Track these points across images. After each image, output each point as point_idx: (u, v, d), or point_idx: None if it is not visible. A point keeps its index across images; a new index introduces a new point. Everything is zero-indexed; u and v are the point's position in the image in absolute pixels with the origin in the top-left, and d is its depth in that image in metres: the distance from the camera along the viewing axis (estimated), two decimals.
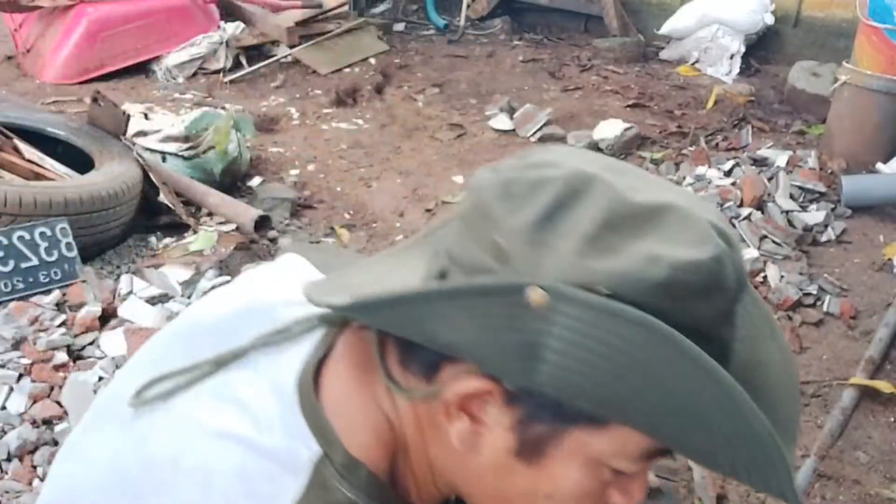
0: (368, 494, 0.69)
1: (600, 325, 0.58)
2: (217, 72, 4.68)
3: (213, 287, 2.44)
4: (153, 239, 2.89)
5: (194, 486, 0.68)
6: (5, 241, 2.36)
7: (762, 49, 5.34)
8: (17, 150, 2.79)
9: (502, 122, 4.20)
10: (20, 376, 2.07)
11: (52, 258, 2.42)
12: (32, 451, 1.91)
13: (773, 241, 3.00)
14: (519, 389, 0.64)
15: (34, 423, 1.96)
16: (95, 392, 1.99)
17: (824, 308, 2.72)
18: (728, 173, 3.46)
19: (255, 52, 4.89)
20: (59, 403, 2.01)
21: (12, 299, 2.35)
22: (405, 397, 0.71)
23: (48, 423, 1.98)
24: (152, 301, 2.37)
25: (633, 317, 0.57)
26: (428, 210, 3.36)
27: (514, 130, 4.15)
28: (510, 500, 0.71)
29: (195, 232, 2.88)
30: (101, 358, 2.14)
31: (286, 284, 0.83)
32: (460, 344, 0.63)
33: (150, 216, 2.95)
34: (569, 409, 0.63)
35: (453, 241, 0.67)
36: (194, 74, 4.64)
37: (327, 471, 0.68)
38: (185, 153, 3.14)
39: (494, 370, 0.63)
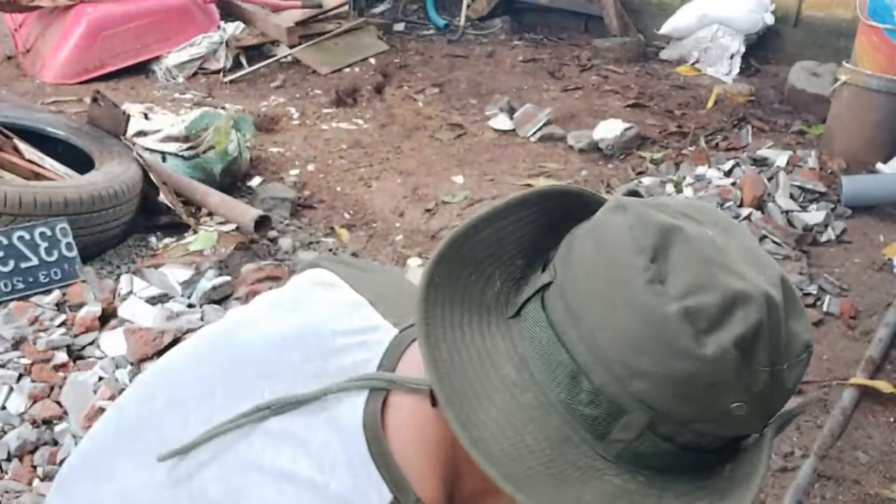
0: None
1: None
2: (217, 72, 4.68)
3: (214, 287, 2.44)
4: (153, 239, 2.89)
5: None
6: (5, 241, 2.36)
7: (762, 49, 5.34)
8: (17, 150, 2.79)
9: (502, 121, 4.20)
10: (20, 376, 2.07)
11: (52, 258, 2.42)
12: (32, 451, 1.91)
13: (773, 241, 3.00)
14: None
15: (34, 423, 1.96)
16: (95, 392, 1.99)
17: (824, 308, 2.72)
18: (728, 173, 3.45)
19: (255, 52, 4.89)
20: (59, 403, 2.01)
21: (12, 299, 2.35)
22: None
23: (48, 423, 1.98)
24: (152, 301, 2.37)
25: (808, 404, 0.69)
26: (428, 210, 3.36)
27: (513, 130, 4.15)
28: None
29: (195, 232, 2.89)
30: (101, 358, 2.14)
31: (333, 307, 0.82)
32: None
33: (150, 216, 2.95)
34: None
35: (653, 395, 0.64)
36: (194, 74, 4.64)
37: (379, 484, 0.68)
38: (185, 153, 3.14)
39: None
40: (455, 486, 0.74)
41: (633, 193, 0.72)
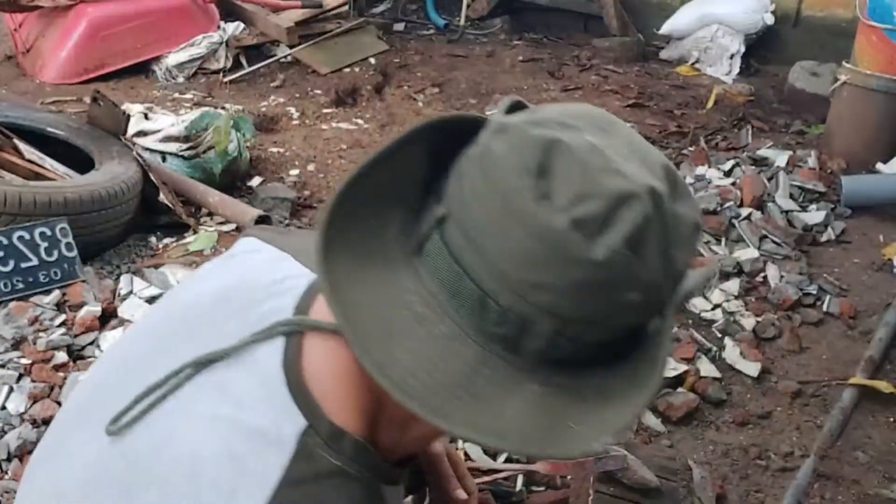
0: (354, 460, 0.73)
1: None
2: (217, 72, 4.67)
3: None
4: (153, 239, 2.89)
5: (181, 476, 0.70)
6: (5, 241, 2.36)
7: (762, 49, 5.33)
8: (17, 150, 2.79)
9: None
10: (20, 376, 2.07)
11: (52, 258, 2.42)
12: (32, 451, 1.91)
13: (773, 241, 3.00)
14: None
15: (34, 423, 1.96)
16: None
17: (824, 308, 2.72)
18: (728, 173, 3.45)
19: (255, 52, 4.88)
20: (59, 403, 2.01)
21: (12, 299, 2.35)
22: None
23: (48, 423, 1.97)
24: (152, 301, 2.37)
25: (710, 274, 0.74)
26: None
27: None
28: None
29: (195, 232, 2.89)
30: None
31: (256, 266, 0.87)
32: None
33: (150, 216, 2.95)
34: None
35: (557, 305, 0.67)
36: (194, 74, 4.64)
37: (312, 441, 0.71)
38: (185, 153, 3.14)
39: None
40: (378, 416, 0.77)
41: (516, 106, 0.75)
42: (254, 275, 0.85)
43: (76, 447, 0.80)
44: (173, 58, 4.58)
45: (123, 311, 2.32)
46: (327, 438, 0.72)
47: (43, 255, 2.41)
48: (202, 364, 0.76)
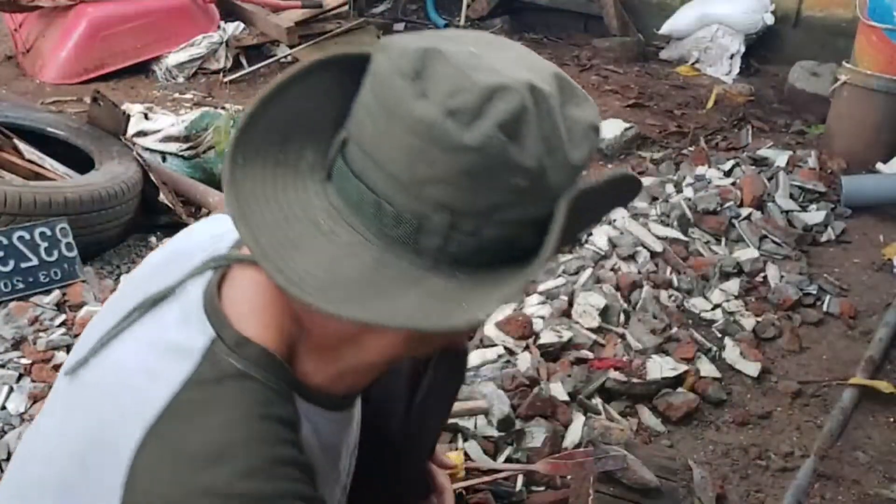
0: (258, 365, 0.77)
1: (600, 194, 0.78)
2: (217, 72, 4.68)
3: None
4: (153, 239, 2.89)
5: (107, 384, 0.80)
6: (5, 241, 2.35)
7: (762, 49, 5.34)
8: (17, 150, 2.79)
9: None
10: (20, 376, 2.07)
11: (52, 258, 2.42)
12: None
13: (773, 241, 3.00)
14: None
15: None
16: None
17: (824, 308, 2.72)
18: (728, 173, 3.45)
19: (255, 52, 4.89)
20: None
21: (12, 299, 2.35)
22: None
23: None
24: None
25: (624, 179, 0.81)
26: None
27: None
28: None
29: None
30: None
31: (209, 226, 0.95)
32: None
33: (150, 216, 2.95)
34: None
35: (445, 196, 0.71)
36: (194, 74, 4.64)
37: (219, 349, 0.77)
38: (185, 153, 3.14)
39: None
40: (300, 339, 0.82)
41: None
42: (201, 233, 0.94)
43: (51, 411, 0.90)
44: (173, 58, 4.59)
45: None
46: (233, 346, 0.77)
47: (43, 255, 2.41)
48: (147, 305, 0.83)
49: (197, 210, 3.04)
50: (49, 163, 2.84)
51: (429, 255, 0.74)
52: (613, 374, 2.16)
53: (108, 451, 0.76)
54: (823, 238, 3.16)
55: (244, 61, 4.79)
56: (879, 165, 3.63)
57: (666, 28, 5.38)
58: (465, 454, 1.79)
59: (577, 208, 0.75)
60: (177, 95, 4.40)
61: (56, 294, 2.39)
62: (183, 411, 0.75)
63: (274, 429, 0.76)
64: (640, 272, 2.67)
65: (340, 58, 0.80)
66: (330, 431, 0.89)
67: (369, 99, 0.74)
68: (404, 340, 0.82)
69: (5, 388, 2.02)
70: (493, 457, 1.87)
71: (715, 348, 2.42)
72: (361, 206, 0.74)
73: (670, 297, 2.58)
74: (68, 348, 2.16)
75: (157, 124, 3.22)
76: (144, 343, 0.81)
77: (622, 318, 2.45)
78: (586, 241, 2.82)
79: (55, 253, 2.43)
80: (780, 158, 3.58)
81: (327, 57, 0.81)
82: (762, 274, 2.82)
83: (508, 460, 1.87)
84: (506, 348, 2.23)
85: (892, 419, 2.25)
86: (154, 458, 0.74)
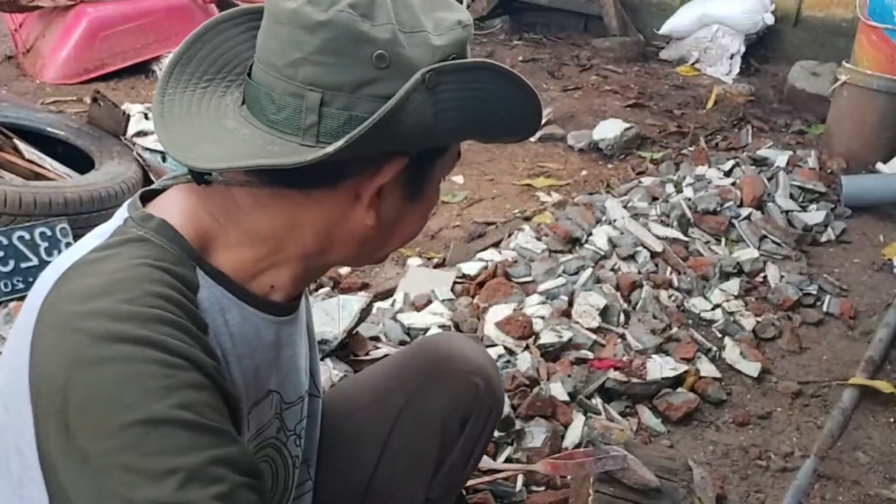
0: (157, 231, 0.83)
1: (470, 80, 0.81)
2: None
3: None
4: None
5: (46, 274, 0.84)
6: (5, 241, 2.35)
7: (762, 49, 5.34)
8: (17, 150, 2.78)
9: None
10: None
11: (53, 258, 2.42)
12: None
13: (773, 241, 3.00)
14: (420, 153, 0.84)
15: None
16: None
17: (824, 308, 2.72)
18: (728, 173, 3.46)
19: None
20: None
21: (12, 299, 2.35)
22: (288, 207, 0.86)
23: None
24: None
25: (487, 65, 0.82)
26: None
27: None
28: (393, 238, 0.93)
29: None
30: None
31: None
32: (391, 144, 0.80)
33: None
34: (441, 148, 0.88)
35: (313, 75, 0.79)
36: None
37: (128, 223, 0.85)
38: None
39: (409, 149, 0.83)
40: (216, 233, 0.87)
41: None
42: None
43: None
44: None
45: None
46: (139, 220, 0.85)
47: (43, 255, 2.40)
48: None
49: None
50: (49, 163, 2.83)
51: (310, 135, 0.80)
52: (613, 374, 2.16)
53: (21, 334, 0.79)
54: (823, 238, 3.16)
55: None
56: (879, 165, 3.63)
57: (666, 28, 5.38)
58: None
59: (450, 98, 0.80)
60: None
61: None
62: (80, 267, 0.80)
63: (163, 276, 0.79)
64: (640, 272, 2.67)
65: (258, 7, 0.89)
66: (244, 323, 0.90)
67: (265, 21, 0.84)
68: (314, 234, 0.88)
69: None
70: (493, 457, 1.87)
71: (715, 348, 2.42)
72: (255, 103, 0.83)
73: (670, 297, 2.58)
74: None
75: None
76: (78, 246, 0.87)
77: (622, 318, 2.45)
78: (586, 241, 2.82)
79: (55, 253, 2.43)
80: (780, 158, 3.58)
81: (247, 7, 0.92)
82: (762, 274, 2.82)
83: (508, 460, 1.87)
84: (506, 348, 2.23)
85: (892, 419, 2.25)
86: (47, 306, 0.77)
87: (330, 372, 2.01)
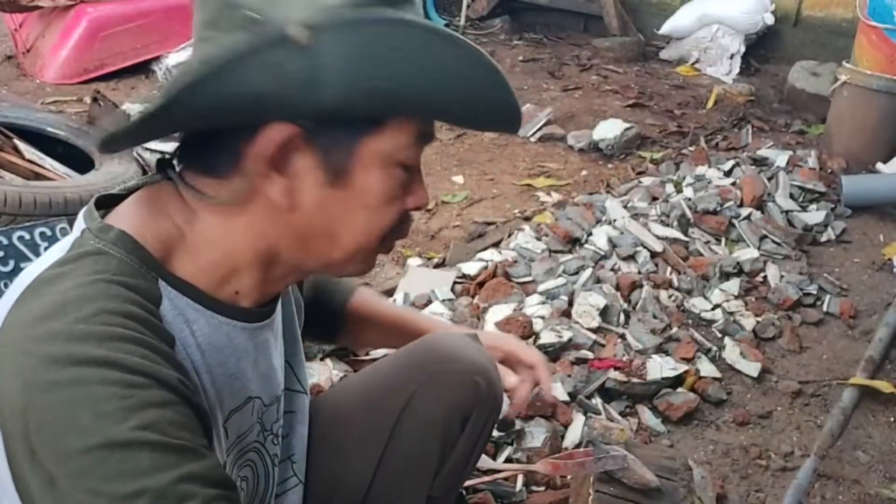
0: (115, 243, 0.81)
1: (366, 37, 0.72)
2: None
3: None
4: None
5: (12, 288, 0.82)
6: (5, 241, 2.35)
7: (762, 49, 5.34)
8: (17, 150, 2.78)
9: None
10: None
11: None
12: None
13: (773, 241, 3.00)
14: (313, 123, 0.77)
15: None
16: None
17: (824, 308, 2.72)
18: (728, 173, 3.46)
19: None
20: None
21: None
22: (219, 200, 0.83)
23: None
24: None
25: (391, 19, 0.73)
26: (427, 210, 3.36)
27: None
28: (338, 234, 0.85)
29: None
30: None
31: None
32: (253, 107, 0.75)
33: None
34: (355, 123, 0.79)
35: (205, 52, 0.77)
36: None
37: (86, 235, 0.82)
38: None
39: (289, 116, 0.76)
40: (177, 240, 0.85)
41: None
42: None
43: None
44: (173, 58, 4.57)
45: None
46: (97, 231, 0.82)
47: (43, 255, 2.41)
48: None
49: None
50: (49, 163, 2.83)
51: None
52: (613, 374, 2.16)
53: None
54: (823, 238, 3.16)
55: None
56: (879, 165, 3.63)
57: (666, 28, 5.38)
58: None
59: (337, 60, 0.73)
60: None
61: None
62: (37, 287, 0.78)
63: (121, 291, 0.77)
64: (640, 272, 2.67)
65: None
66: (214, 333, 0.87)
67: None
68: (252, 230, 0.84)
69: None
70: (493, 457, 1.87)
71: (715, 348, 2.42)
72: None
73: (670, 297, 2.58)
74: None
75: None
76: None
77: (622, 318, 2.45)
78: (586, 241, 2.82)
79: None
80: (780, 158, 3.58)
81: None
82: (762, 274, 2.82)
83: (508, 460, 1.87)
84: None
85: (892, 419, 2.25)
86: (6, 328, 0.75)
87: (330, 372, 2.02)
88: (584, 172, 3.75)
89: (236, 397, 0.93)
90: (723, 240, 2.99)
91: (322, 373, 2.00)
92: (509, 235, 3.02)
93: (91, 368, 0.70)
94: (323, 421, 1.23)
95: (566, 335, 2.27)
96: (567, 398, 2.08)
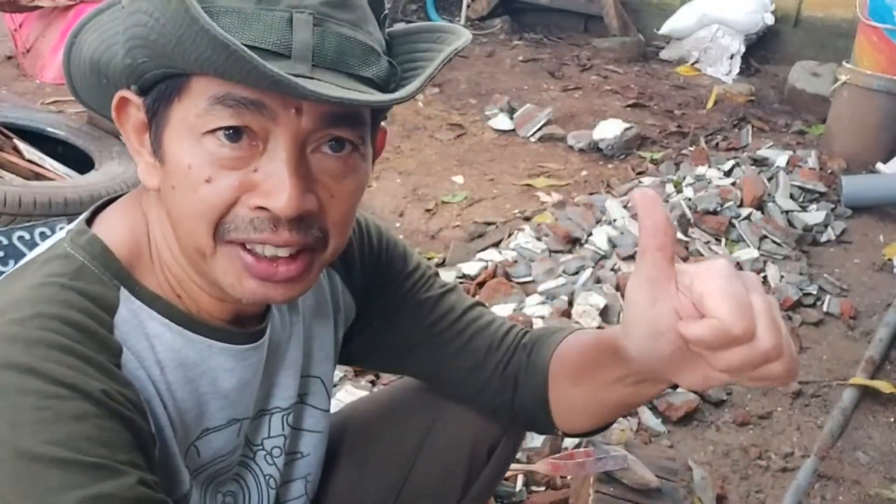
0: (83, 248, 0.80)
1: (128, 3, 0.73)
2: None
3: None
4: None
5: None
6: (5, 241, 2.35)
7: (762, 49, 5.34)
8: (17, 150, 2.78)
9: (502, 121, 4.20)
10: None
11: None
12: None
13: (773, 241, 3.00)
14: (137, 88, 0.78)
15: None
16: None
17: (824, 308, 2.72)
18: (728, 173, 3.46)
19: None
20: None
21: None
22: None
23: None
24: None
25: None
26: (427, 210, 3.36)
27: (513, 130, 4.14)
28: (174, 221, 0.79)
29: None
30: None
31: None
32: (95, 71, 0.80)
33: None
34: (165, 91, 0.75)
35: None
36: None
37: (65, 236, 0.83)
38: None
39: (117, 80, 0.79)
40: (148, 249, 0.84)
41: None
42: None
43: None
44: None
45: None
46: (74, 234, 0.82)
47: None
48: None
49: None
50: (49, 163, 2.83)
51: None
52: None
53: None
54: (823, 238, 3.16)
55: None
56: (879, 165, 3.63)
57: (666, 28, 5.38)
58: None
59: (124, 27, 0.75)
60: None
61: None
62: (2, 283, 0.80)
63: (69, 296, 0.75)
64: None
65: None
66: (180, 349, 0.83)
67: None
68: (159, 230, 0.83)
69: None
70: None
71: None
72: None
73: None
74: None
75: None
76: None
77: (622, 318, 2.44)
78: (586, 241, 2.82)
79: None
80: (780, 158, 3.58)
81: None
82: (762, 274, 2.82)
83: None
84: None
85: (892, 419, 2.25)
86: None
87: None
88: (584, 172, 3.75)
89: (213, 417, 0.89)
90: (723, 240, 2.99)
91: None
92: (509, 235, 3.02)
93: (13, 374, 0.69)
94: (344, 439, 1.19)
95: None
96: None
